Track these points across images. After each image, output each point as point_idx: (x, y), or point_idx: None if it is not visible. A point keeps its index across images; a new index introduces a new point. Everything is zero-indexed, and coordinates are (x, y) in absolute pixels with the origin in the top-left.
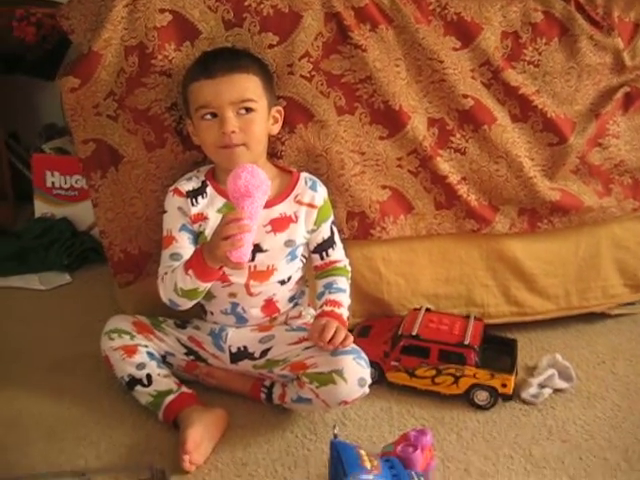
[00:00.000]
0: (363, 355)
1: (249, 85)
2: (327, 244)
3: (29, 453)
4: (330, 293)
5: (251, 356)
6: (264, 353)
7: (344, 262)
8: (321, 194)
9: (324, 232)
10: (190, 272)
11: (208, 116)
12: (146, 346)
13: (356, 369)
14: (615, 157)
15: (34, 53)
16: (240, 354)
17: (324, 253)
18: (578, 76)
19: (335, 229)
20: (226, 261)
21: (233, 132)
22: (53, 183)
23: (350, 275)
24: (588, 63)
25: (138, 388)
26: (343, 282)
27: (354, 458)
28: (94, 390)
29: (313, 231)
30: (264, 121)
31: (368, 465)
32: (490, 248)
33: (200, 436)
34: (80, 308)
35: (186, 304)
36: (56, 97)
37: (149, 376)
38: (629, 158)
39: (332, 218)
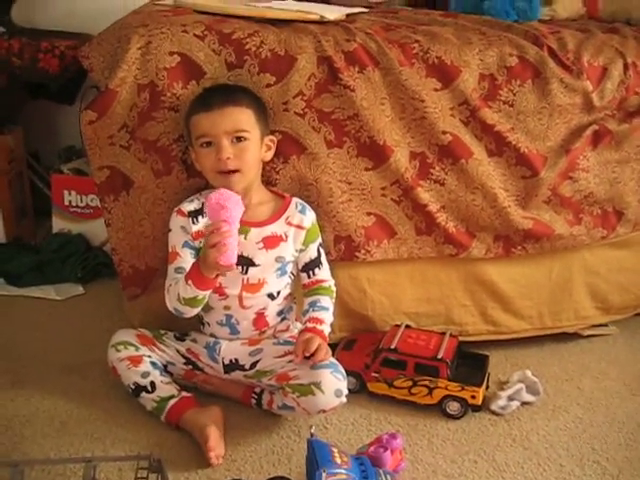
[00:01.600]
0: (340, 369)
1: (242, 117)
2: (314, 264)
3: (43, 445)
4: (314, 311)
5: (242, 367)
6: (253, 365)
7: (329, 282)
8: (309, 218)
9: (311, 252)
10: (190, 282)
11: (206, 144)
12: (150, 356)
13: (333, 382)
14: (585, 189)
15: (57, 82)
16: (232, 366)
17: (311, 272)
18: (550, 115)
19: (322, 251)
20: (217, 266)
21: (228, 158)
22: (70, 202)
23: (335, 295)
24: (559, 103)
25: (143, 395)
26: (327, 301)
27: (326, 454)
28: (103, 392)
29: (301, 251)
30: (257, 149)
31: (339, 460)
32: (468, 271)
33: (218, 433)
34: (92, 318)
35: (189, 312)
36: (75, 121)
37: (153, 383)
38: (598, 190)
39: (319, 241)
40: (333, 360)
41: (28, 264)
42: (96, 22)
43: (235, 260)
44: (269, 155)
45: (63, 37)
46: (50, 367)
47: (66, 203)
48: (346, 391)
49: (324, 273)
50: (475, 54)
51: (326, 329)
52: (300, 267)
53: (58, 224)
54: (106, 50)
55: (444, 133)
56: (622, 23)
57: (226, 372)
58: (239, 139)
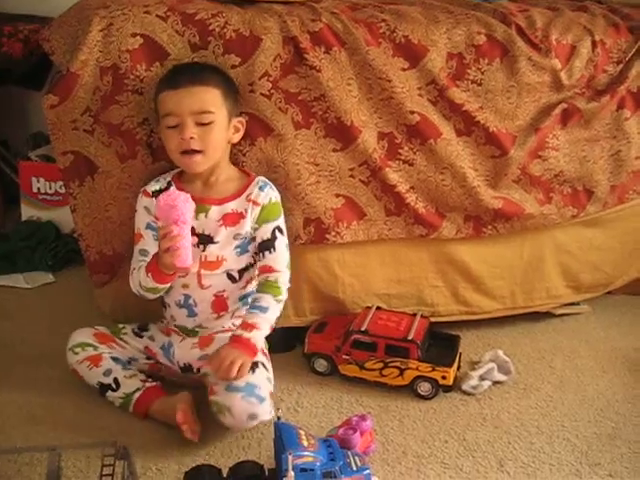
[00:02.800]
0: (257, 391)
1: (208, 97)
2: (265, 246)
3: (11, 435)
4: (249, 313)
5: (194, 371)
6: (200, 369)
7: (278, 276)
8: (267, 194)
9: (263, 232)
10: (149, 275)
11: (171, 122)
12: (110, 352)
13: (245, 407)
14: (555, 168)
15: (21, 67)
16: (186, 368)
17: (261, 254)
18: (518, 94)
19: (281, 237)
20: (173, 268)
21: (192, 138)
22: (39, 189)
23: (282, 294)
24: (527, 82)
25: (109, 394)
26: (267, 300)
27: (293, 437)
28: (72, 381)
29: (255, 229)
30: (223, 130)
31: (305, 443)
32: (439, 252)
33: (189, 409)
34: (62, 306)
35: (151, 297)
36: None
37: (116, 380)
38: (568, 169)
39: (277, 224)
40: (251, 382)
41: None
42: (61, 5)
43: (191, 261)
44: (237, 137)
45: (27, 21)
46: (19, 357)
47: (34, 190)
48: (265, 415)
49: (275, 261)
50: (442, 33)
51: (256, 335)
52: (255, 247)
53: (27, 212)
54: (67, 32)
55: (412, 113)
56: (591, 1)
57: (183, 372)
58: (204, 120)
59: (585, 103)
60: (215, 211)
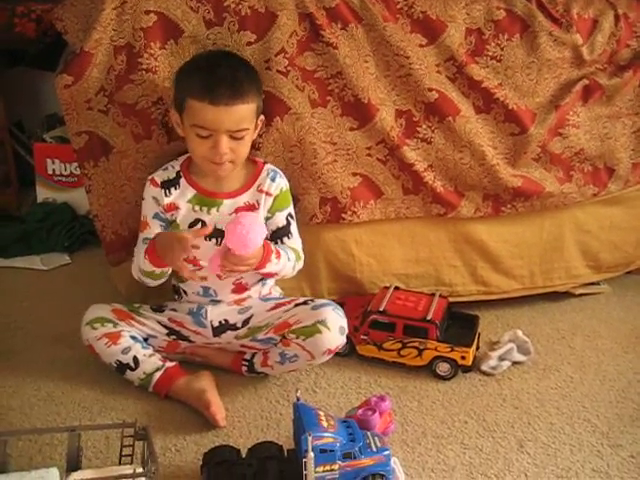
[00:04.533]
0: (339, 307)
1: (246, 114)
2: (282, 232)
3: (29, 415)
4: (275, 245)
5: (233, 327)
6: (245, 322)
7: (299, 252)
8: (278, 184)
9: (278, 220)
10: (147, 257)
11: (203, 133)
12: (129, 331)
13: (336, 318)
14: (575, 146)
15: (35, 47)
16: (222, 327)
17: (279, 241)
18: (538, 70)
19: (293, 222)
20: (178, 269)
21: (225, 154)
22: (54, 170)
23: (300, 262)
24: (548, 58)
25: (128, 373)
26: (290, 253)
27: (312, 418)
28: (89, 361)
29: (268, 218)
30: (252, 137)
31: (325, 424)
32: (457, 231)
33: (217, 396)
34: (78, 286)
35: (150, 283)
36: None
37: (135, 358)
38: (589, 147)
39: (289, 210)
40: (330, 301)
41: (13, 235)
42: None
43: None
44: (256, 134)
45: (40, 1)
46: (37, 337)
47: (49, 172)
48: (347, 330)
49: (294, 242)
50: (461, 8)
51: (273, 261)
52: (269, 235)
53: (42, 193)
54: (80, 11)
55: (430, 90)
56: None
57: (215, 335)
58: (239, 135)
59: (607, 79)
60: (227, 205)
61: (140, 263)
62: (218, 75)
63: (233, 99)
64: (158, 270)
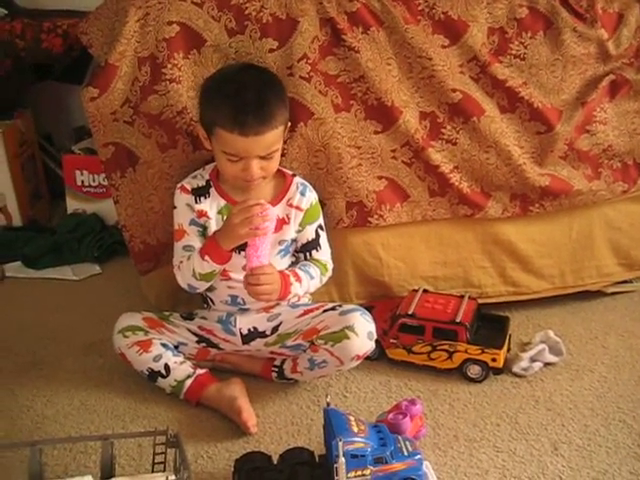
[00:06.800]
0: (367, 312)
1: (277, 138)
2: (311, 245)
3: (64, 424)
4: (298, 268)
5: (262, 334)
6: (275, 329)
7: (327, 262)
8: (309, 199)
9: (309, 234)
10: (207, 258)
11: (233, 159)
12: (160, 339)
13: (364, 324)
14: (603, 142)
15: (62, 62)
16: (251, 335)
17: (308, 254)
18: (563, 67)
19: (322, 234)
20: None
21: (256, 174)
22: (83, 181)
23: (327, 273)
24: (573, 54)
25: (159, 380)
26: (315, 270)
27: (343, 423)
28: (121, 370)
29: (299, 232)
30: (281, 150)
31: (355, 429)
32: (485, 232)
33: (249, 403)
34: (109, 296)
35: (203, 286)
36: None
37: (167, 366)
38: (617, 143)
39: (319, 222)
40: (358, 307)
41: (44, 246)
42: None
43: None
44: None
45: (66, 16)
46: (69, 347)
47: (78, 183)
48: (375, 335)
49: (323, 255)
50: (483, 7)
51: (296, 287)
52: (298, 248)
53: (72, 205)
54: (104, 25)
55: (454, 91)
56: None
57: (245, 342)
58: (269, 156)
59: (634, 73)
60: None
61: (195, 267)
62: (245, 103)
63: (263, 127)
64: (218, 268)
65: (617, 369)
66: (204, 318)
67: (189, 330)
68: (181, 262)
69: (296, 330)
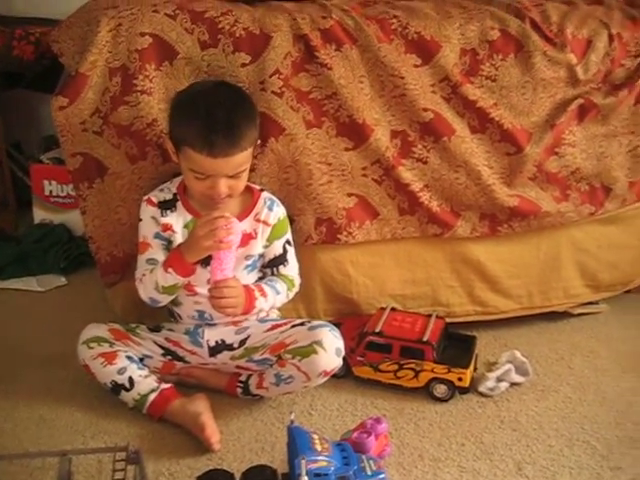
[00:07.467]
0: (336, 329)
1: (246, 159)
2: (278, 260)
3: (22, 439)
4: (264, 283)
5: (230, 347)
6: (242, 343)
7: (294, 277)
8: (276, 213)
9: (276, 249)
10: (170, 270)
11: (201, 177)
12: (125, 351)
13: (333, 340)
14: (571, 165)
15: (33, 70)
16: (219, 347)
17: (275, 269)
18: (533, 89)
19: (290, 249)
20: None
21: (224, 193)
22: (51, 191)
23: (293, 289)
24: (543, 77)
25: (123, 394)
26: (281, 285)
27: (306, 441)
28: (84, 384)
29: (266, 247)
30: (248, 170)
31: (319, 447)
32: (454, 251)
33: (213, 419)
34: (74, 308)
35: (165, 300)
36: None
37: (131, 379)
38: (585, 166)
39: (286, 237)
40: (326, 322)
41: (10, 256)
42: (72, 8)
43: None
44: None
45: (39, 23)
46: (31, 359)
47: (46, 193)
48: (343, 352)
49: (290, 271)
50: (456, 28)
51: (261, 302)
52: (265, 263)
53: (39, 214)
54: (75, 33)
55: (425, 110)
56: None
57: (212, 355)
58: (238, 175)
59: (602, 98)
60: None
61: (159, 279)
62: (216, 123)
63: (232, 149)
64: (182, 281)
65: (582, 390)
66: (171, 330)
67: (155, 342)
68: (144, 275)
69: (264, 344)
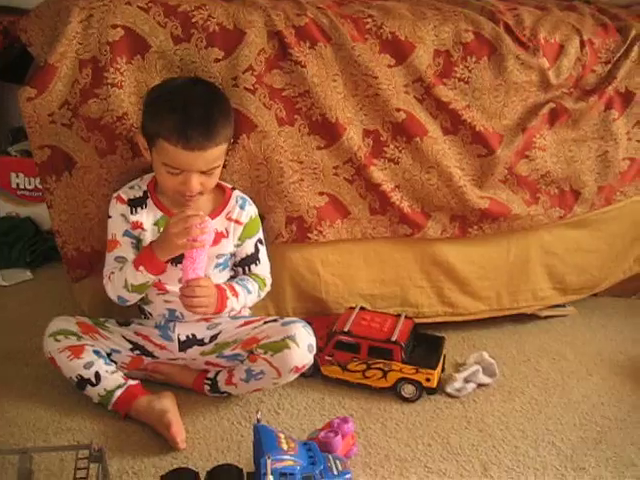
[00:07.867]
0: (308, 325)
1: (220, 155)
2: (250, 259)
3: None
4: (235, 282)
5: (200, 342)
6: (213, 338)
7: (265, 277)
8: (248, 212)
9: (247, 248)
10: (141, 268)
11: (174, 172)
12: (92, 345)
13: (306, 336)
14: (542, 168)
15: (1, 60)
16: (189, 342)
17: (247, 268)
18: (506, 92)
19: (262, 248)
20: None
21: (196, 189)
22: (18, 184)
23: (265, 289)
24: (515, 81)
25: (88, 388)
26: (253, 284)
27: (272, 440)
28: (47, 380)
29: (238, 246)
30: (221, 168)
31: (285, 447)
32: (424, 252)
33: (179, 417)
34: (39, 303)
35: (134, 298)
36: None
37: (97, 374)
38: (555, 169)
39: (258, 236)
40: (299, 319)
41: None
42: None
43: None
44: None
45: (7, 12)
46: None
47: (13, 186)
48: (315, 349)
49: (262, 270)
50: (430, 30)
51: (233, 302)
52: (237, 262)
53: (5, 207)
54: (45, 23)
55: (398, 110)
56: (580, 1)
57: (181, 349)
58: (211, 171)
59: (573, 103)
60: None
61: (128, 278)
62: (192, 118)
63: (207, 143)
64: (152, 280)
65: (547, 392)
66: (141, 324)
67: (124, 337)
68: (112, 273)
69: (235, 340)
